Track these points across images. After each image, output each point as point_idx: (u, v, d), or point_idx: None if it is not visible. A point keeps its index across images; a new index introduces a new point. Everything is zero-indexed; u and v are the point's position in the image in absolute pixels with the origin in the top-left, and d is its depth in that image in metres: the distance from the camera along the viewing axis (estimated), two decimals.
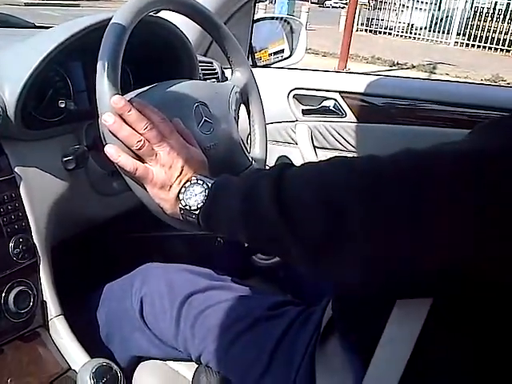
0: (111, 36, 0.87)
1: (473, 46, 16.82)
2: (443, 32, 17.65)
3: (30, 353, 0.97)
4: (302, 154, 1.87)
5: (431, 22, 18.17)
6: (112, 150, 0.82)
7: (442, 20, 17.66)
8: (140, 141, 0.82)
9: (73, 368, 0.98)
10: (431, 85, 1.97)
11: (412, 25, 18.39)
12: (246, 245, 0.79)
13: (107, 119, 0.82)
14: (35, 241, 1.00)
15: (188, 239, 1.44)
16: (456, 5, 17.60)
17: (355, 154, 1.80)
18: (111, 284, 1.16)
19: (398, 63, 12.31)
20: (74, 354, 0.99)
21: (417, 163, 0.61)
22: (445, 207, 0.57)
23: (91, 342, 1.06)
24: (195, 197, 0.81)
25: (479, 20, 16.80)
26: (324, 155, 1.85)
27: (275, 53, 2.18)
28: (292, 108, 1.86)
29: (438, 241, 0.58)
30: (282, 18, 2.24)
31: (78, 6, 21.23)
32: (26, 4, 18.79)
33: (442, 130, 1.67)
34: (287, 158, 1.92)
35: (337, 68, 10.61)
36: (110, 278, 1.16)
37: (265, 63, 2.11)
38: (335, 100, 1.80)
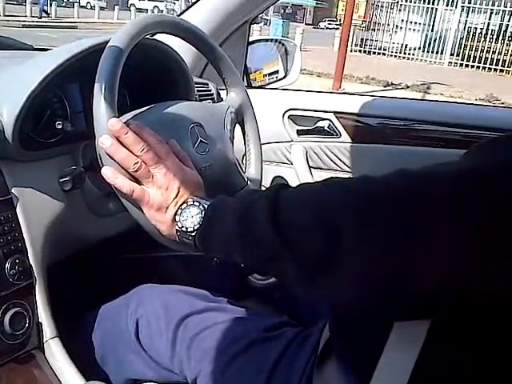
0: (108, 59, 0.87)
1: (466, 65, 17.01)
2: (437, 52, 17.84)
3: (25, 375, 0.96)
4: (297, 175, 1.88)
5: (425, 42, 18.37)
6: (109, 172, 0.83)
7: (435, 40, 17.86)
8: (136, 163, 0.82)
9: None
10: (426, 105, 1.99)
11: (406, 45, 18.59)
12: (243, 265, 0.79)
13: (104, 141, 0.82)
14: (31, 262, 1.00)
15: (184, 259, 1.43)
16: (449, 25, 17.80)
17: (350, 175, 1.81)
18: (107, 305, 1.15)
19: (392, 83, 12.41)
20: (69, 376, 0.98)
21: (411, 184, 0.61)
22: (441, 227, 0.57)
23: (86, 364, 1.05)
24: (191, 218, 0.81)
25: (472, 40, 17.01)
26: (319, 175, 1.85)
27: (270, 74, 2.19)
28: (287, 128, 1.87)
29: (434, 262, 0.58)
30: (276, 40, 2.26)
31: (75, 28, 21.43)
32: (24, 26, 18.96)
33: (436, 150, 1.68)
34: (282, 178, 1.92)
35: (331, 88, 10.68)
36: (106, 299, 1.16)
37: (260, 84, 2.12)
38: (330, 120, 1.81)
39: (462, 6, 17.47)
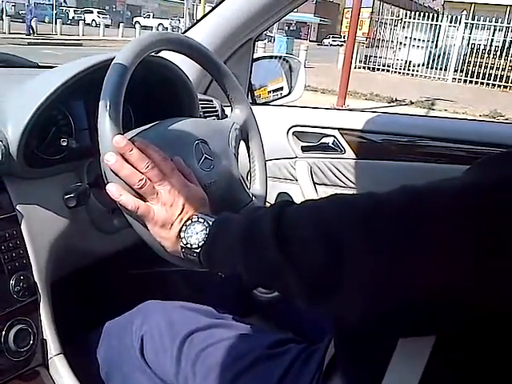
0: (113, 76, 0.88)
1: (470, 82, 17.05)
2: (441, 69, 17.91)
3: None
4: (302, 191, 1.88)
5: (429, 58, 18.44)
6: (113, 189, 0.83)
7: (439, 57, 17.93)
8: (141, 180, 0.82)
9: None
10: (430, 121, 1.99)
11: (410, 62, 18.64)
12: (247, 280, 0.79)
13: (109, 158, 0.82)
14: (36, 278, 1.00)
15: (188, 275, 1.43)
16: (453, 42, 17.87)
17: (355, 191, 1.81)
18: (111, 322, 1.15)
19: (396, 99, 12.44)
20: None
21: (415, 199, 0.61)
22: (443, 241, 0.57)
23: (91, 381, 1.05)
24: (196, 235, 0.81)
25: (476, 57, 17.06)
26: (324, 192, 1.85)
27: (274, 90, 2.19)
28: (291, 145, 1.87)
29: (437, 274, 0.58)
30: (280, 57, 2.27)
31: (80, 45, 21.60)
32: (30, 43, 19.13)
33: (440, 166, 1.68)
34: (287, 194, 1.93)
35: (335, 105, 10.70)
36: (110, 315, 1.15)
37: (264, 101, 2.13)
38: (334, 137, 1.81)
39: (466, 23, 17.57)
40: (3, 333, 0.92)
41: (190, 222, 0.83)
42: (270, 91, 2.18)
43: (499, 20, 16.56)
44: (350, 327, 0.79)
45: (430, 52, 18.55)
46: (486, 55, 16.82)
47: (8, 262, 0.95)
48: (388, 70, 18.57)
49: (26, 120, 0.97)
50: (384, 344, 0.71)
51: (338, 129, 1.80)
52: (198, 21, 1.74)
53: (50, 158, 1.08)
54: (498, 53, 16.56)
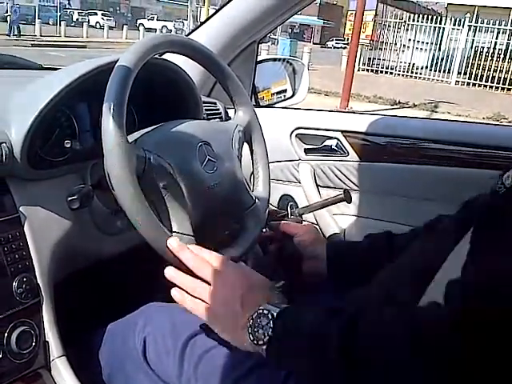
0: (117, 78, 0.88)
1: (474, 84, 17.02)
2: (444, 71, 17.87)
3: None
4: (305, 193, 1.88)
5: (432, 61, 18.41)
6: (178, 296, 0.95)
7: (442, 59, 17.90)
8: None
9: None
10: (433, 124, 1.98)
11: (413, 64, 18.62)
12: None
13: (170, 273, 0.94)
14: (38, 280, 1.00)
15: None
16: (456, 45, 17.85)
17: (358, 193, 1.81)
18: (114, 324, 1.15)
19: (399, 102, 12.43)
20: None
21: None
22: None
23: (93, 382, 1.04)
24: (262, 329, 0.81)
25: (479, 59, 17.03)
26: (327, 194, 1.85)
27: (278, 93, 2.19)
28: (295, 147, 1.87)
29: None
30: (284, 59, 2.27)
31: (84, 47, 21.64)
32: (34, 45, 19.15)
33: (443, 168, 1.67)
34: (290, 196, 1.92)
35: (339, 107, 10.70)
36: (113, 317, 1.15)
37: (268, 103, 2.13)
38: (337, 139, 1.81)
39: (469, 26, 17.53)
40: (6, 335, 0.93)
41: (255, 314, 0.83)
42: (273, 93, 2.18)
43: (503, 22, 16.52)
44: None
45: (434, 54, 18.51)
46: (490, 58, 16.78)
47: (11, 263, 0.95)
48: (391, 73, 18.55)
49: (30, 122, 0.97)
50: None
51: (342, 131, 1.80)
52: (202, 23, 1.74)
53: (54, 159, 1.08)
54: (502, 55, 16.51)
